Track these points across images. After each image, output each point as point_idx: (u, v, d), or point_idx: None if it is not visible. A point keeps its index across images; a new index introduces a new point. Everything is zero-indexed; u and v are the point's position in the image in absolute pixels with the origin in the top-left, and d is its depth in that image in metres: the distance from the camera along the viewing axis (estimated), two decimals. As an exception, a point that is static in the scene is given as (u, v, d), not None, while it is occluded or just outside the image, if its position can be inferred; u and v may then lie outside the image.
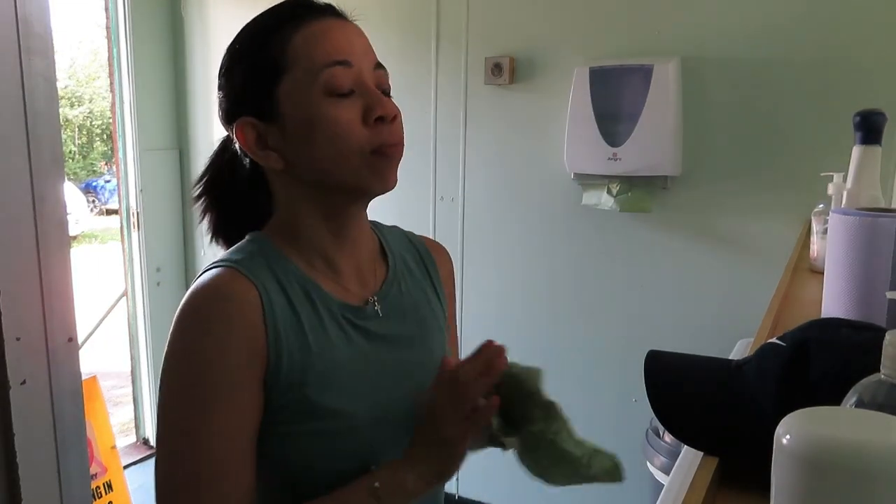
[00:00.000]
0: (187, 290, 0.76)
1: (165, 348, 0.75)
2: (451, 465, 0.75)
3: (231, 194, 0.87)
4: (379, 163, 0.77)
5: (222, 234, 0.90)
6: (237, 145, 0.81)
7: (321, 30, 0.76)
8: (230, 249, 0.82)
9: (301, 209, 0.81)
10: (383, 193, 0.81)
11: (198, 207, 0.89)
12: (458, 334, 1.05)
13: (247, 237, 0.83)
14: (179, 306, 0.75)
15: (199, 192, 0.88)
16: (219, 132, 0.87)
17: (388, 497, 0.73)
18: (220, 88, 0.81)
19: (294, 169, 0.79)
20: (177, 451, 0.73)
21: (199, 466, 0.71)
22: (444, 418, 0.73)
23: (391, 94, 0.81)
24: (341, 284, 0.83)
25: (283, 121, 0.76)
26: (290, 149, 0.77)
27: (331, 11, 0.79)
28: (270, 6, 0.80)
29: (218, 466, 0.72)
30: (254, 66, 0.77)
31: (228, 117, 0.81)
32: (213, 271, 0.77)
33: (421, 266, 0.94)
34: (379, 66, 0.79)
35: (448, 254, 0.99)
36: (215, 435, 0.72)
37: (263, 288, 0.76)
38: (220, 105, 0.82)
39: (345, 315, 0.81)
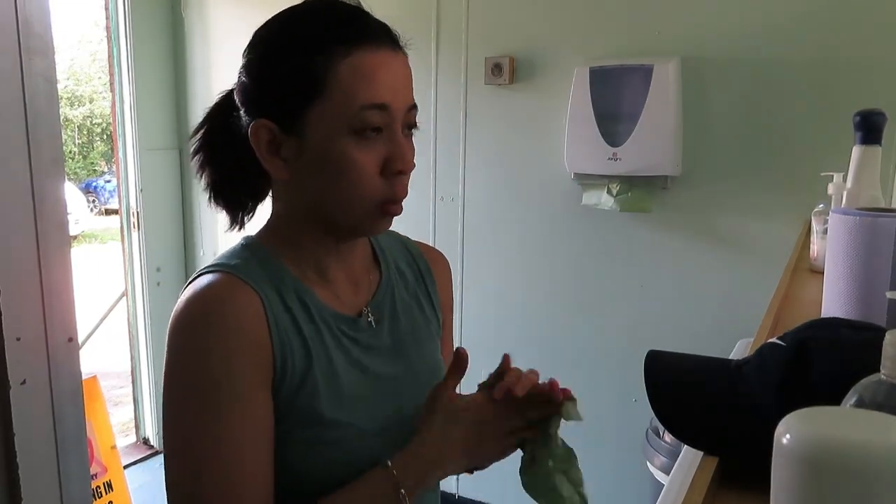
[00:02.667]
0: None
1: (166, 356, 0.73)
2: (485, 463, 0.81)
3: (228, 154, 0.82)
4: (381, 217, 0.78)
5: (221, 195, 0.85)
6: (242, 111, 0.78)
7: (370, 65, 0.73)
8: (223, 254, 0.80)
9: (299, 220, 0.80)
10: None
11: (195, 163, 0.85)
12: (459, 334, 1.05)
13: (240, 241, 0.82)
14: (176, 312, 0.73)
15: (195, 145, 0.85)
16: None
17: (408, 491, 0.74)
18: (247, 72, 0.78)
19: (298, 186, 0.78)
20: (193, 464, 0.71)
21: (219, 477, 0.70)
22: (484, 434, 0.77)
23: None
24: (334, 293, 0.83)
25: (304, 141, 0.75)
26: (301, 168, 0.76)
27: (385, 38, 0.75)
28: (324, 5, 0.76)
29: (238, 476, 0.71)
30: (291, 78, 0.73)
31: (249, 108, 0.78)
32: (210, 276, 0.75)
33: (416, 271, 0.93)
34: (413, 106, 0.78)
35: (447, 262, 0.98)
36: (234, 443, 0.71)
37: (264, 294, 0.75)
38: (242, 88, 0.78)
39: (339, 326, 0.81)
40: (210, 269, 0.77)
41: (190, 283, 0.77)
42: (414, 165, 0.77)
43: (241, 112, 0.79)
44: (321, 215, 0.78)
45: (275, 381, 0.75)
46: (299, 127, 0.74)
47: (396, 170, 0.75)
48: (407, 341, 0.87)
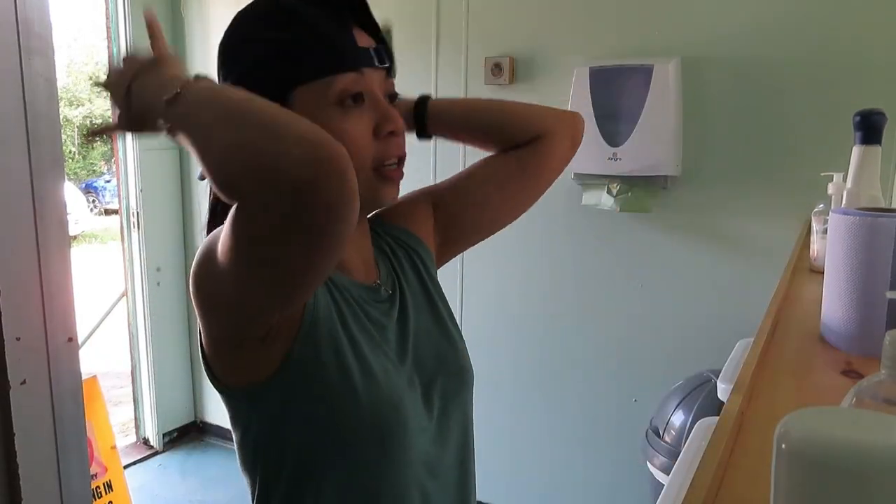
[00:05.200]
0: (188, 291, 0.74)
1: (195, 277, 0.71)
2: None
3: None
4: (381, 183, 0.78)
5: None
6: None
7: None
8: None
9: None
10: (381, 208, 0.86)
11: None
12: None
13: None
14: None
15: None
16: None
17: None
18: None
19: None
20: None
21: None
22: None
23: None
24: (348, 270, 0.84)
25: None
26: None
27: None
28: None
29: None
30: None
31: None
32: None
33: (399, 241, 0.95)
34: (388, 73, 0.80)
35: (398, 200, 0.94)
36: None
37: None
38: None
39: (361, 295, 0.82)
40: None
41: None
42: (404, 127, 0.79)
43: None
44: None
45: (300, 333, 0.73)
46: (289, 107, 0.74)
47: (387, 131, 0.77)
48: (420, 304, 0.90)
